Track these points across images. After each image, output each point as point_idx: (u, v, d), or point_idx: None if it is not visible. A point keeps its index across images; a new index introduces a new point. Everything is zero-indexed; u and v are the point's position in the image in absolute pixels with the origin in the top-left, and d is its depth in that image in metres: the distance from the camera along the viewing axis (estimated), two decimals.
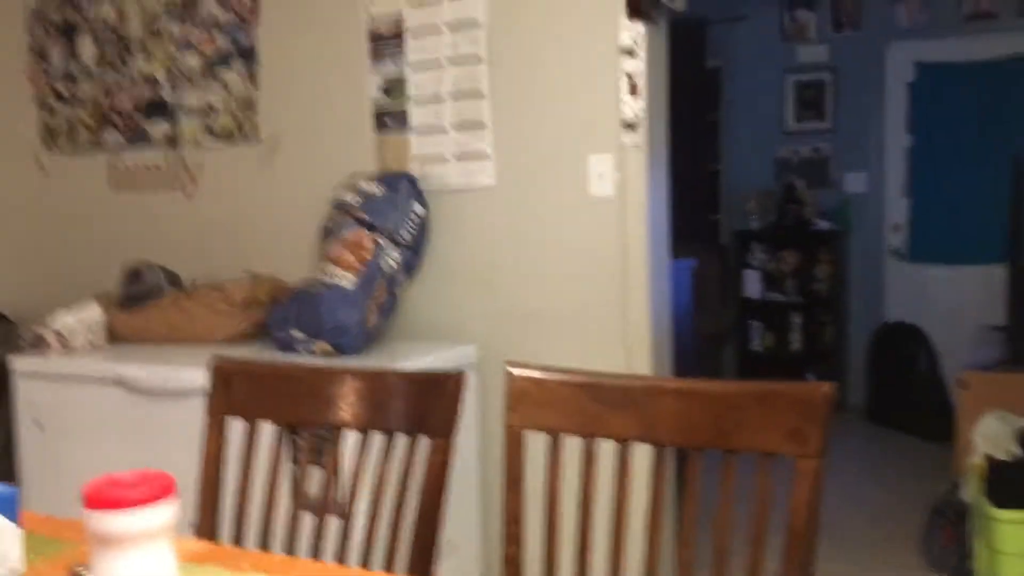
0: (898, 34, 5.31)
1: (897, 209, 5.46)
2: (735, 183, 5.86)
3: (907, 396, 4.92)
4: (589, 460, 1.27)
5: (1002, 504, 2.54)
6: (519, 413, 1.29)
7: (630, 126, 2.61)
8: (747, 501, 1.18)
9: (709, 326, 5.62)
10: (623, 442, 1.25)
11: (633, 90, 2.60)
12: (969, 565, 2.84)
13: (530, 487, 1.32)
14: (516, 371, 1.31)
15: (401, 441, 1.33)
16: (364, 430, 1.36)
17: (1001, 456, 2.77)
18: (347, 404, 1.35)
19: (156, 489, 0.88)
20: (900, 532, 3.43)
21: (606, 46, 2.62)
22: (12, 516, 0.89)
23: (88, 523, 0.88)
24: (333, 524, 1.41)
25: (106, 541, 0.87)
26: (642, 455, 1.26)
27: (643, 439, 1.24)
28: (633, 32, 2.58)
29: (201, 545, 1.23)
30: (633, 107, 2.60)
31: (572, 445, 1.29)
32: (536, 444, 1.31)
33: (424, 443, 1.30)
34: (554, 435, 1.29)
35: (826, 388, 1.14)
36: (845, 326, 5.57)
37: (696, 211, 5.75)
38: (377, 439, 1.35)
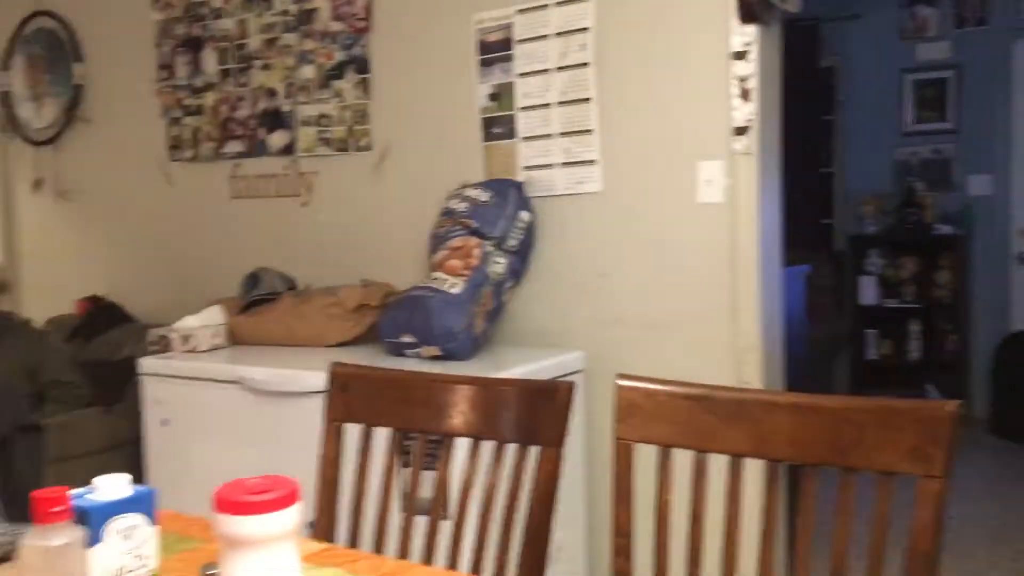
0: None
1: None
2: (851, 186, 5.68)
3: None
4: (700, 474, 1.26)
5: None
6: (628, 425, 1.29)
7: (741, 131, 2.57)
8: (863, 520, 1.15)
9: (823, 334, 5.46)
10: (735, 456, 1.24)
11: (744, 95, 2.55)
12: None
13: (640, 499, 1.31)
14: (625, 383, 1.30)
15: (511, 449, 1.34)
16: (476, 438, 1.38)
17: None
18: (459, 412, 1.37)
19: (283, 494, 0.91)
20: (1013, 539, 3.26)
21: (717, 50, 2.58)
22: (150, 514, 0.94)
23: (219, 525, 0.92)
24: (445, 529, 1.43)
25: (235, 543, 0.91)
26: (754, 470, 1.24)
27: (756, 454, 1.22)
28: (744, 35, 2.54)
29: (319, 547, 1.27)
30: (744, 112, 2.56)
31: (683, 458, 1.28)
32: (646, 456, 1.30)
33: (534, 452, 1.31)
34: (664, 448, 1.28)
35: (952, 407, 1.10)
36: (968, 335, 5.33)
37: (809, 215, 5.60)
38: (488, 447, 1.37)
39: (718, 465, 1.26)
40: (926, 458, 1.09)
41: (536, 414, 1.31)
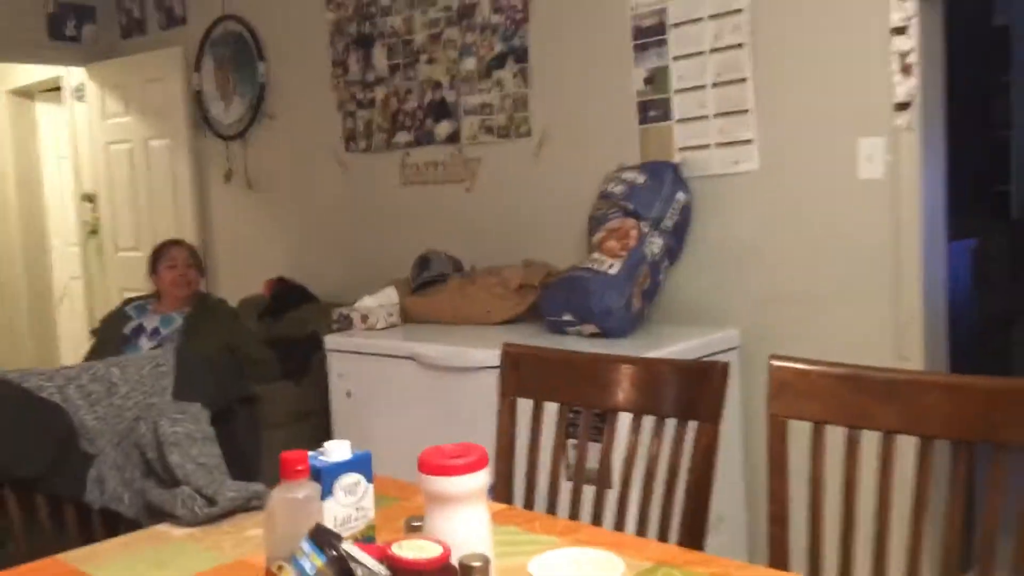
0: None
1: None
2: None
3: None
4: (852, 450, 1.34)
5: None
6: (781, 402, 1.38)
7: (903, 107, 2.55)
8: (1015, 496, 1.20)
9: (996, 307, 5.24)
10: (887, 433, 1.31)
11: (905, 70, 2.53)
12: None
13: (794, 472, 1.40)
14: (778, 362, 1.39)
15: (671, 424, 1.46)
16: (638, 414, 1.50)
17: None
18: (622, 389, 1.50)
19: (476, 459, 1.07)
20: None
21: (876, 25, 2.57)
22: (368, 474, 1.12)
23: (423, 484, 1.09)
24: (611, 496, 1.57)
25: (438, 499, 1.08)
26: (906, 446, 1.31)
27: (908, 431, 1.28)
28: (904, 10, 2.52)
29: (500, 507, 1.44)
30: (905, 87, 2.54)
31: (835, 434, 1.36)
32: (800, 432, 1.39)
33: (692, 426, 1.43)
34: (817, 424, 1.37)
35: None
36: None
37: (982, 183, 5.36)
38: (648, 421, 1.49)
39: (870, 441, 1.33)
40: None
41: (693, 392, 1.43)
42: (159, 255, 3.55)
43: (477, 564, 1.01)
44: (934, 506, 1.26)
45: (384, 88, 3.90)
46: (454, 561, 0.99)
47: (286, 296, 4.14)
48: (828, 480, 1.36)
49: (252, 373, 3.39)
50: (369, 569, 0.90)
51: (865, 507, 1.32)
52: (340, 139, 4.11)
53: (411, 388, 3.03)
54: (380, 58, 3.90)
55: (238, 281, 4.59)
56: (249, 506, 1.55)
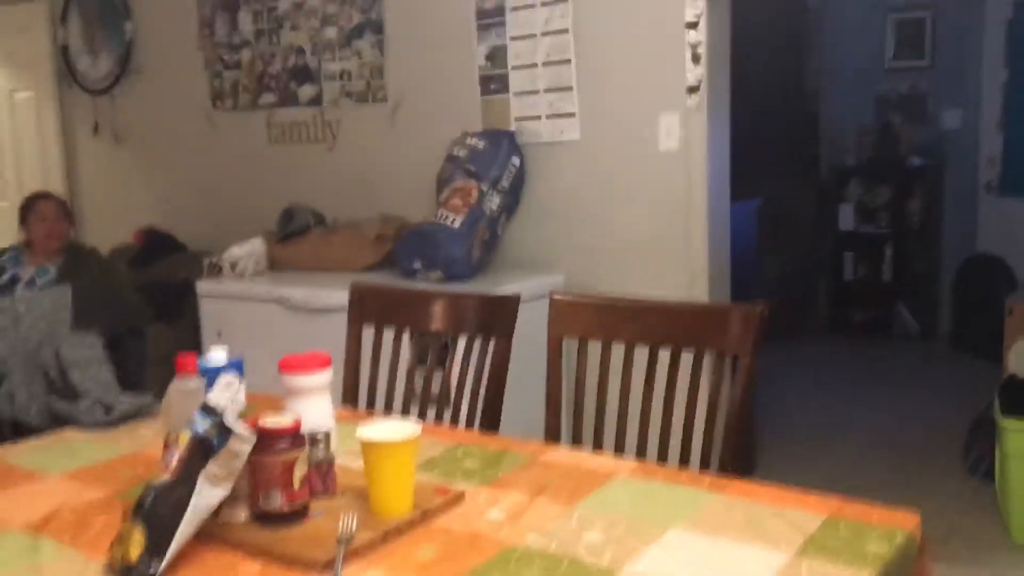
0: None
1: (992, 143, 5.62)
2: (836, 120, 6.10)
3: (988, 325, 5.18)
4: (605, 356, 1.83)
5: (1011, 414, 2.93)
6: (556, 325, 1.85)
7: (693, 90, 3.07)
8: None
9: (804, 257, 5.98)
10: (628, 344, 1.80)
11: (695, 59, 3.05)
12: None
13: (566, 376, 1.89)
14: (556, 296, 1.87)
15: (477, 342, 1.93)
16: (450, 334, 1.96)
17: (1023, 374, 3.13)
18: (440, 317, 1.95)
19: (320, 361, 1.49)
20: (956, 445, 3.80)
21: (673, 19, 3.07)
22: (241, 374, 1.52)
23: (283, 381, 1.50)
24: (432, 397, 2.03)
25: (293, 391, 1.49)
26: (640, 354, 1.80)
27: (641, 342, 1.78)
28: (695, 7, 3.02)
29: (345, 410, 1.86)
30: (695, 73, 3.05)
31: (595, 347, 1.85)
32: (570, 347, 1.88)
33: (491, 343, 1.89)
34: (581, 340, 1.85)
35: (761, 308, 1.65)
36: (937, 258, 5.81)
37: (796, 147, 6.04)
38: (461, 341, 1.95)
39: (618, 350, 1.82)
40: (743, 342, 1.65)
41: (492, 317, 1.89)
42: (28, 209, 3.67)
43: (320, 434, 1.43)
44: (657, 395, 1.76)
45: (250, 51, 4.18)
46: (304, 432, 1.41)
47: (156, 245, 4.40)
48: (589, 382, 1.85)
49: (126, 315, 3.66)
50: (241, 432, 1.31)
51: (612, 397, 1.81)
52: (207, 97, 4.36)
53: (276, 328, 3.38)
54: (246, 22, 4.17)
55: (108, 231, 4.78)
56: (140, 413, 1.92)
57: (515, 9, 3.40)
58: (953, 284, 5.65)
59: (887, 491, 3.40)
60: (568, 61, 3.30)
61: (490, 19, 3.46)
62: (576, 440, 1.84)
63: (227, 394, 1.46)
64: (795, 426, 4.28)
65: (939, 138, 5.75)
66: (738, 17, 3.27)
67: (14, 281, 3.62)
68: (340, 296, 3.07)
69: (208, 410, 1.32)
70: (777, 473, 3.49)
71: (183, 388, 1.44)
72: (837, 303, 6.08)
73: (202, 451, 1.29)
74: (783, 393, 4.43)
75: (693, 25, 3.04)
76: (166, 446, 1.38)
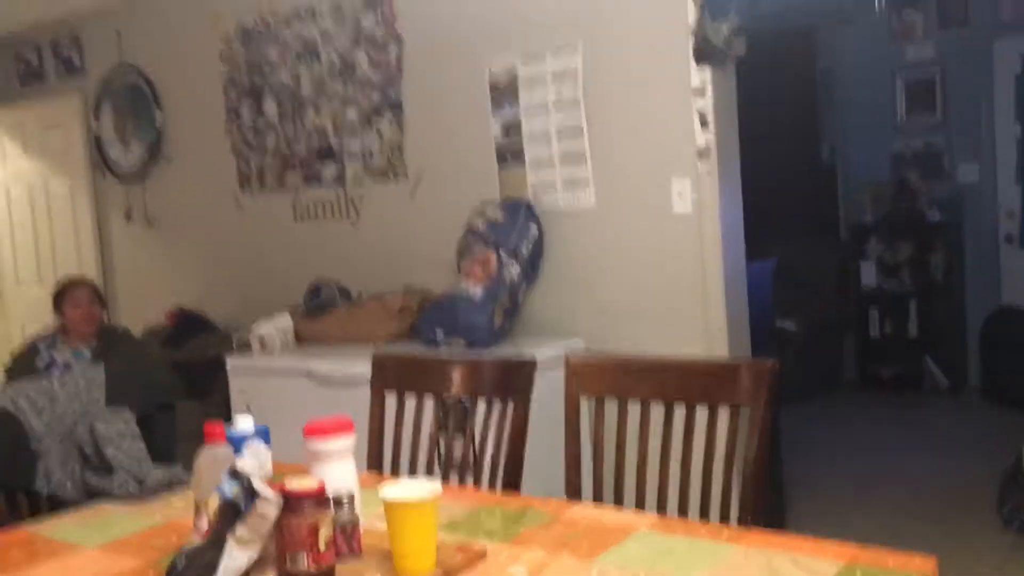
0: (1004, 29, 5.50)
1: (1010, 196, 5.64)
2: (851, 178, 6.16)
3: (1017, 376, 5.14)
4: (622, 414, 1.86)
5: None
6: (573, 384, 1.90)
7: (702, 154, 3.15)
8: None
9: (828, 316, 5.98)
10: (644, 401, 1.84)
11: (703, 124, 3.13)
12: None
13: (584, 437, 1.93)
14: (572, 357, 1.91)
15: (497, 404, 1.97)
16: (468, 398, 2.00)
17: None
18: (457, 382, 2.00)
19: (343, 426, 1.55)
20: (989, 497, 3.74)
21: (680, 86, 3.16)
22: (267, 441, 1.58)
23: (307, 445, 1.55)
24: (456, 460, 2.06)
25: (316, 455, 1.54)
26: (656, 411, 1.84)
27: (655, 399, 1.82)
28: (701, 75, 3.11)
29: (370, 475, 1.91)
30: (704, 138, 3.14)
31: (611, 404, 1.88)
32: (587, 405, 1.92)
33: (510, 406, 1.93)
34: (598, 398, 1.89)
35: (771, 363, 1.69)
36: (962, 311, 5.79)
37: (814, 207, 6.10)
38: (482, 404, 2.00)
39: (634, 408, 1.86)
40: (756, 396, 1.68)
41: (509, 380, 1.94)
42: (62, 295, 3.76)
43: (345, 496, 1.48)
44: (675, 451, 1.79)
45: (274, 134, 4.33)
46: (328, 495, 1.46)
47: (187, 324, 4.50)
48: (606, 436, 1.88)
49: (157, 393, 3.74)
50: (267, 495, 1.36)
51: (630, 454, 1.84)
52: (235, 180, 4.51)
53: (304, 401, 3.44)
54: (270, 107, 4.34)
55: (141, 313, 4.90)
56: (172, 485, 1.97)
57: (527, 84, 3.52)
58: (980, 336, 5.61)
59: (921, 546, 3.34)
60: (580, 131, 3.40)
61: (504, 95, 3.59)
62: (597, 497, 1.86)
63: (254, 460, 1.52)
64: (826, 483, 4.24)
65: (956, 193, 5.79)
66: (750, 80, 3.37)
67: (51, 366, 3.71)
68: (365, 367, 3.12)
69: (236, 474, 1.37)
70: (808, 530, 3.45)
71: (212, 456, 1.49)
72: (865, 360, 6.05)
73: (231, 515, 1.34)
74: (814, 450, 4.40)
75: (699, 91, 3.13)
76: (197, 512, 1.43)
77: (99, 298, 3.85)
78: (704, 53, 3.07)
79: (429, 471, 2.05)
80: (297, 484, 1.41)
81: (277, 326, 3.73)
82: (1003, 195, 5.68)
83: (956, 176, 5.82)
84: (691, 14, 3.08)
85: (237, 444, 1.51)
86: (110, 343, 3.81)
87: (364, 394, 2.31)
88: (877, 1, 2.88)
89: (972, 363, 5.72)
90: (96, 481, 1.96)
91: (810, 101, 6.13)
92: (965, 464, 4.37)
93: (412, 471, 2.08)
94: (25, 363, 3.74)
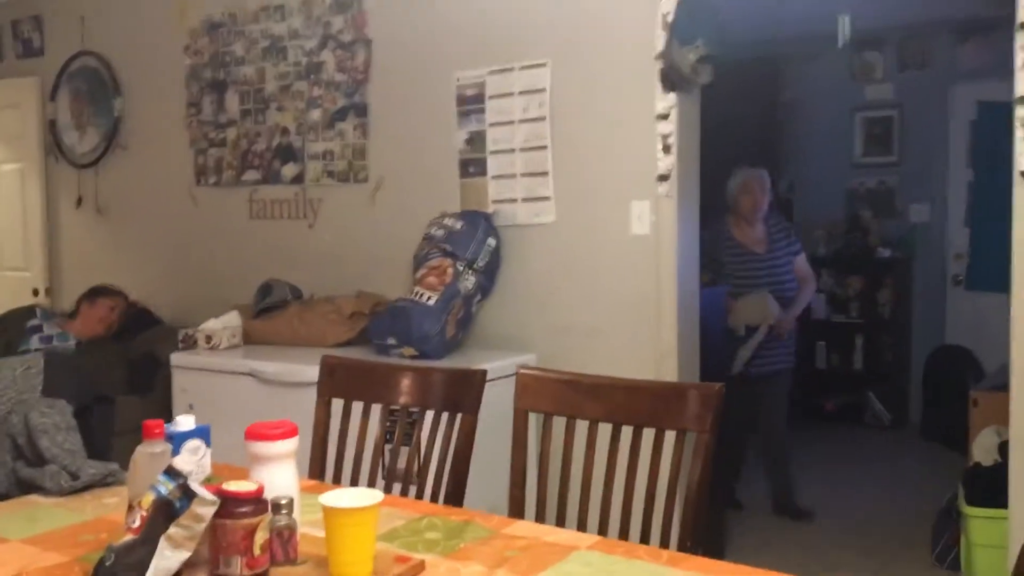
0: (961, 75, 5.65)
1: (958, 238, 5.78)
2: (808, 211, 6.25)
3: (956, 415, 5.24)
4: (570, 432, 1.86)
5: (974, 503, 2.97)
6: (523, 399, 1.89)
7: (663, 178, 3.17)
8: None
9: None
10: (592, 421, 1.84)
11: (666, 149, 3.16)
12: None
13: (531, 449, 1.91)
14: (523, 371, 1.91)
15: (444, 416, 1.95)
16: (416, 408, 1.98)
17: (987, 463, 3.17)
18: (407, 391, 1.98)
19: (287, 429, 1.52)
20: (924, 534, 3.81)
21: (645, 111, 3.19)
22: (207, 440, 1.54)
23: (248, 449, 1.52)
24: (397, 470, 2.04)
25: (258, 458, 1.51)
26: (604, 429, 1.83)
27: (604, 419, 1.82)
28: (666, 101, 3.14)
29: (311, 482, 1.88)
30: (665, 163, 3.16)
31: (558, 423, 1.88)
32: (536, 421, 1.91)
33: (458, 418, 1.92)
34: (546, 415, 1.88)
35: (718, 388, 1.69)
36: (907, 348, 5.90)
37: None
38: (429, 415, 1.97)
39: (582, 427, 1.85)
40: (702, 420, 1.69)
41: (459, 392, 1.92)
42: (93, 292, 4.15)
43: (283, 500, 1.45)
44: (620, 472, 1.79)
45: (235, 130, 4.28)
46: (267, 498, 1.43)
47: (132, 318, 4.40)
48: (552, 455, 1.88)
49: (98, 387, 3.68)
50: (204, 496, 1.33)
51: (575, 473, 1.84)
52: (191, 174, 4.44)
53: (249, 402, 3.38)
54: (233, 102, 4.28)
55: None
56: (106, 481, 1.92)
57: (494, 97, 3.52)
58: (923, 374, 5.72)
59: None
60: (544, 147, 3.41)
61: (470, 105, 3.58)
62: (540, 514, 1.86)
63: (193, 459, 1.48)
64: (766, 511, 4.28)
65: (907, 231, 5.91)
66: (712, 109, 3.40)
67: (35, 330, 3.73)
68: (313, 371, 3.07)
69: (173, 473, 1.34)
70: (747, 558, 3.47)
71: (149, 452, 1.46)
72: (809, 391, 6.12)
73: (165, 513, 1.30)
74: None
75: (664, 117, 3.16)
76: (129, 509, 1.39)
77: (120, 316, 4.10)
78: (671, 79, 3.10)
79: (372, 480, 2.02)
80: (235, 486, 1.38)
81: (225, 324, 3.67)
82: (952, 236, 5.82)
83: (908, 215, 5.95)
84: (660, 40, 3.11)
85: (177, 441, 1.48)
86: (95, 351, 3.83)
87: (309, 398, 2.29)
88: (840, 38, 2.93)
89: (914, 400, 5.83)
90: (27, 473, 1.90)
91: (771, 133, 6.22)
92: (903, 500, 4.44)
93: (355, 479, 2.05)
94: (17, 317, 3.93)
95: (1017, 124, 2.72)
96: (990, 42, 5.54)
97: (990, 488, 2.95)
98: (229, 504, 1.33)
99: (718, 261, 4.10)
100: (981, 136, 5.63)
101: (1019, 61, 2.67)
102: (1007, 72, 2.74)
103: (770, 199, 4.25)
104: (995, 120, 5.51)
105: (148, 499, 1.32)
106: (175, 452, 1.46)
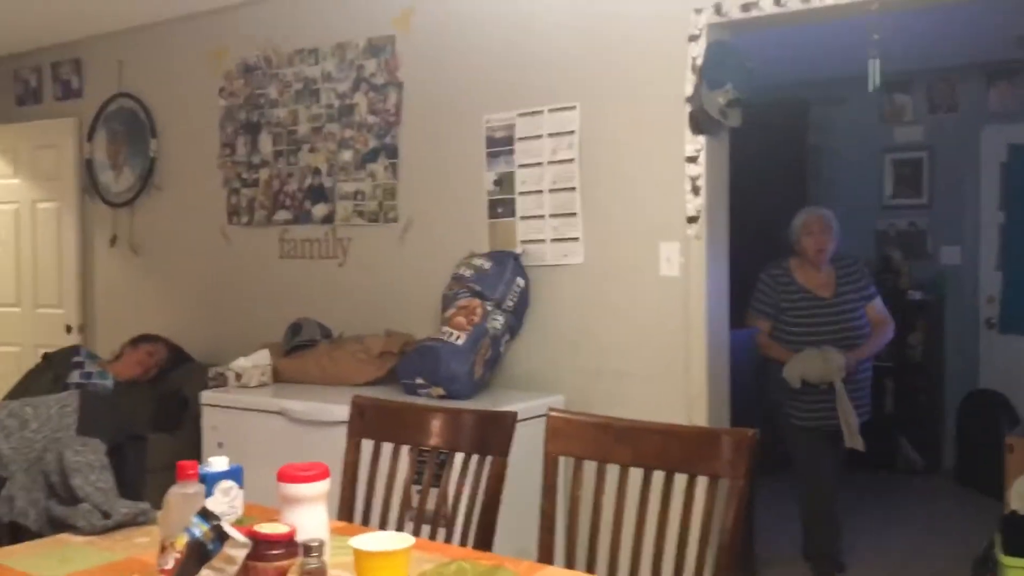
0: (991, 117, 5.63)
1: (991, 281, 5.71)
2: (836, 255, 6.19)
3: (991, 461, 5.14)
4: (601, 477, 1.84)
5: (1012, 552, 2.90)
6: (553, 443, 1.88)
7: (693, 220, 3.17)
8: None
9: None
10: (623, 466, 1.82)
11: (695, 191, 3.16)
12: None
13: (560, 496, 1.90)
14: (553, 413, 1.90)
15: (474, 458, 1.95)
16: (446, 450, 1.98)
17: None
18: (435, 432, 1.98)
19: (319, 472, 1.52)
20: None
21: (675, 153, 3.20)
22: (239, 481, 1.55)
23: (280, 490, 1.53)
24: (428, 513, 2.03)
25: (289, 499, 1.52)
26: (635, 474, 1.82)
27: (635, 464, 1.80)
28: (695, 143, 3.15)
29: (340, 523, 1.87)
30: (695, 204, 3.16)
31: (589, 467, 1.87)
32: (567, 465, 1.90)
33: (488, 460, 1.91)
34: (577, 459, 1.87)
35: (751, 432, 1.68)
36: (939, 392, 5.81)
37: None
38: (458, 456, 1.97)
39: (613, 471, 1.84)
40: (735, 465, 1.68)
41: (488, 434, 1.92)
42: (137, 339, 4.30)
43: (314, 543, 1.45)
44: (651, 517, 1.77)
45: (268, 170, 4.34)
46: (298, 541, 1.43)
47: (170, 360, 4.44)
48: (584, 500, 1.86)
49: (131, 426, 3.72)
50: (236, 538, 1.33)
51: (606, 518, 1.82)
52: (224, 213, 4.50)
53: (279, 440, 3.40)
54: (266, 143, 4.35)
55: (118, 339, 4.81)
56: (137, 521, 1.93)
57: (523, 139, 3.55)
58: (956, 419, 5.63)
59: None
60: (573, 188, 3.43)
61: (500, 147, 3.61)
62: (570, 560, 1.84)
63: (225, 500, 1.49)
64: (798, 559, 4.20)
65: (939, 274, 5.85)
66: (742, 151, 3.41)
67: (77, 366, 3.81)
68: (342, 410, 3.10)
69: (206, 514, 1.34)
70: None
71: (183, 492, 1.47)
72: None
73: (198, 555, 1.31)
74: (787, 525, 4.36)
75: (693, 159, 3.17)
76: (162, 549, 1.40)
77: (159, 362, 4.22)
78: (700, 122, 3.12)
79: (400, 523, 2.01)
80: (267, 528, 1.38)
81: (255, 362, 3.69)
82: (984, 279, 5.75)
83: (939, 257, 5.89)
84: (689, 84, 3.12)
85: (210, 482, 1.49)
86: (131, 394, 3.90)
87: (339, 437, 2.29)
88: (871, 82, 2.93)
89: (947, 445, 5.73)
90: (60, 511, 1.91)
91: (800, 175, 6.20)
92: (936, 547, 4.35)
93: (383, 521, 2.05)
94: (63, 355, 4.05)
95: None
96: (1020, 85, 5.53)
97: None
98: (261, 546, 1.34)
99: (777, 307, 3.88)
100: (1013, 178, 5.59)
101: None
102: None
103: (837, 240, 4.03)
104: None
105: (182, 541, 1.33)
106: (208, 493, 1.47)
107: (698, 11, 3.12)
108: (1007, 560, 2.90)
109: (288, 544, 1.37)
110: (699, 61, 3.10)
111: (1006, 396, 5.33)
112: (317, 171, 4.17)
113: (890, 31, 2.96)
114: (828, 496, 3.99)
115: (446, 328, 3.39)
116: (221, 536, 1.31)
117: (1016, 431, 3.94)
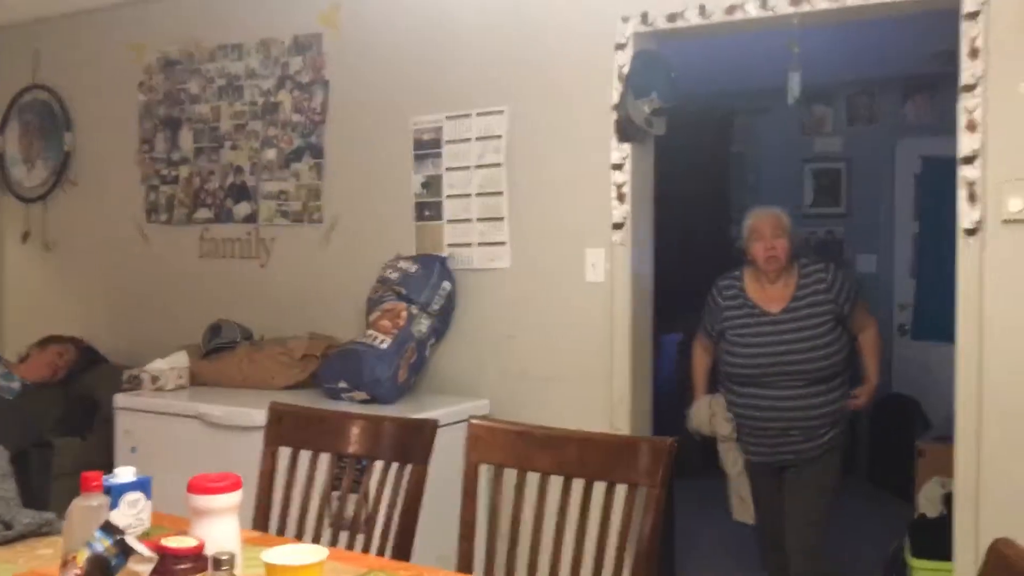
0: (907, 130, 5.81)
1: (904, 289, 5.90)
2: (803, 260, 6.30)
3: (903, 464, 5.31)
4: (521, 484, 1.84)
5: (920, 555, 2.99)
6: (474, 452, 1.87)
7: (618, 226, 3.19)
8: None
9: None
10: (544, 474, 1.82)
11: (620, 198, 3.19)
12: None
13: (481, 502, 1.89)
14: (474, 421, 1.89)
15: (393, 466, 1.92)
16: (367, 457, 1.95)
17: (932, 514, 3.21)
18: (355, 439, 1.94)
19: (230, 483, 1.48)
20: None
21: (601, 160, 3.22)
22: (148, 494, 1.49)
23: (190, 502, 1.48)
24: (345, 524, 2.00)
25: (199, 511, 1.47)
26: (555, 482, 1.82)
27: (555, 472, 1.80)
28: (621, 151, 3.18)
29: (255, 533, 1.83)
30: (620, 211, 3.19)
31: (509, 475, 1.86)
32: (485, 471, 1.89)
33: (408, 468, 1.89)
34: (497, 467, 1.86)
35: (670, 441, 1.69)
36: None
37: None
38: (378, 464, 1.94)
39: (533, 480, 1.84)
40: (652, 474, 1.69)
41: (409, 441, 1.89)
42: (45, 340, 4.14)
43: (224, 557, 1.41)
44: (570, 525, 1.77)
45: (188, 167, 4.23)
46: (207, 555, 1.39)
47: (80, 360, 4.29)
48: (502, 506, 1.85)
49: (37, 431, 3.59)
50: (141, 552, 1.29)
51: (525, 526, 1.82)
52: (142, 210, 4.38)
53: (195, 445, 3.31)
54: (187, 140, 4.24)
55: (29, 338, 4.63)
56: (41, 531, 1.85)
57: (451, 142, 3.53)
58: (870, 423, 5.79)
59: None
60: (500, 193, 3.42)
61: (427, 150, 3.59)
62: (489, 568, 1.83)
63: (132, 512, 1.44)
64: (713, 562, 4.27)
65: (855, 282, 6.00)
66: (668, 159, 3.45)
67: None
68: (261, 414, 3.02)
69: (109, 528, 1.30)
70: None
71: (86, 505, 1.41)
72: None
73: (101, 571, 1.26)
74: (703, 528, 4.43)
75: (619, 167, 3.19)
76: (63, 564, 1.34)
77: (68, 362, 4.07)
78: (625, 130, 3.14)
79: (318, 532, 1.98)
80: (175, 542, 1.34)
81: (172, 364, 3.59)
82: (898, 287, 5.93)
83: (855, 265, 6.06)
84: (615, 91, 3.15)
85: (115, 494, 1.43)
86: (42, 390, 3.77)
87: (257, 442, 2.24)
88: (789, 94, 2.99)
89: (862, 448, 5.89)
90: None
91: (724, 183, 6.32)
92: (849, 548, 4.46)
93: (301, 529, 2.01)
94: None
95: (960, 183, 2.79)
96: (935, 99, 5.72)
97: (935, 540, 2.98)
98: (167, 561, 1.29)
99: (719, 324, 3.32)
100: (926, 190, 5.77)
101: (962, 122, 2.75)
102: (950, 129, 2.82)
103: (793, 242, 3.34)
104: (939, 175, 5.66)
105: (82, 556, 1.28)
106: (114, 505, 1.42)
107: (625, 20, 3.15)
108: (915, 562, 2.99)
109: (196, 558, 1.33)
110: (625, 70, 3.13)
111: (918, 401, 5.50)
112: (240, 169, 4.08)
113: (812, 44, 3.02)
114: (774, 526, 3.49)
115: (370, 331, 3.35)
116: (125, 551, 1.27)
117: (927, 436, 4.06)
